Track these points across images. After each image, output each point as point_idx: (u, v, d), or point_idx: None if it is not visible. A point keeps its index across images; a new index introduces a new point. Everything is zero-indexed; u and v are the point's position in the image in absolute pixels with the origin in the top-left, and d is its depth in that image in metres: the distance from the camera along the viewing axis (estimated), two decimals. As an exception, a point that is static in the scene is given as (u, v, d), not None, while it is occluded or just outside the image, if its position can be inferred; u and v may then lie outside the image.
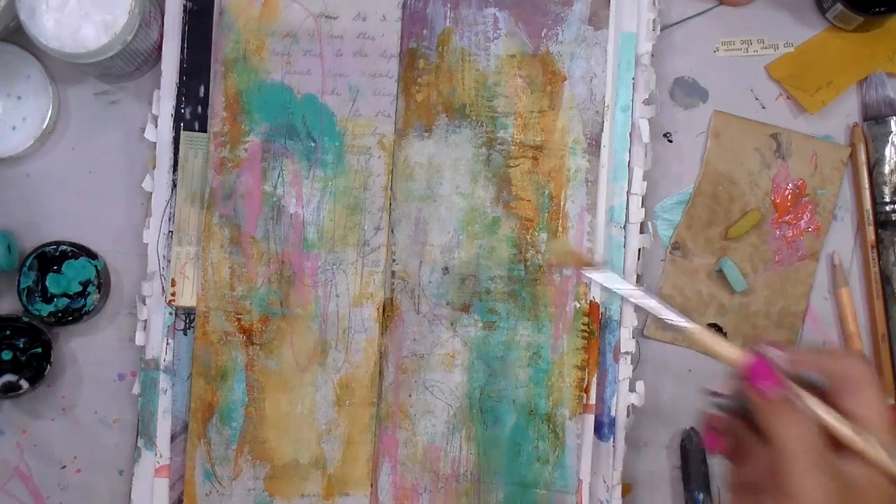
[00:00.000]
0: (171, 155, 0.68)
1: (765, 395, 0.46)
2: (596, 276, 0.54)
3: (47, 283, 0.68)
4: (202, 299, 0.67)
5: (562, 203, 0.68)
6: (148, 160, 0.70)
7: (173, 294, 0.67)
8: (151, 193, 0.68)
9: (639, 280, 0.69)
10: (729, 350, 0.48)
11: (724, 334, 0.70)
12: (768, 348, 0.48)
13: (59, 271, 0.68)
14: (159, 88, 0.68)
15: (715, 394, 0.50)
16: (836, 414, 0.47)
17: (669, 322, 0.50)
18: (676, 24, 0.72)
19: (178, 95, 0.68)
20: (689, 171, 0.71)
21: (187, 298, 0.67)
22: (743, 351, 0.48)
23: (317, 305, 0.67)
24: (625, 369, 0.68)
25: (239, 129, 0.68)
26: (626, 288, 0.52)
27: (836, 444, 0.46)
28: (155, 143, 0.68)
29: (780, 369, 0.47)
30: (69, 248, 0.68)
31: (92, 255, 0.69)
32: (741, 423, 0.49)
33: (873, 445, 0.46)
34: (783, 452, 0.45)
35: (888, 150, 0.70)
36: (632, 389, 0.68)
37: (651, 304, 0.50)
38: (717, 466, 0.70)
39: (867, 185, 0.71)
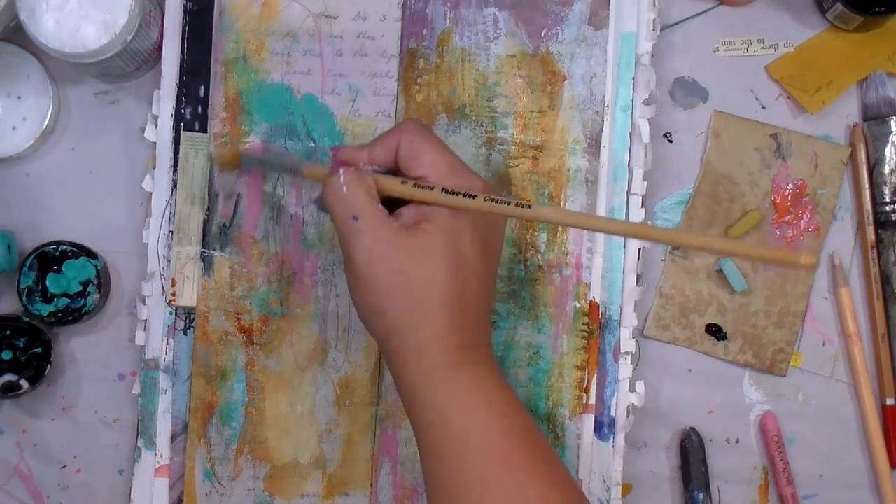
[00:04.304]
0: (171, 155, 0.68)
1: (327, 187, 0.55)
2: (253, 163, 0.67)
3: (47, 283, 0.68)
4: (202, 299, 0.67)
5: (562, 203, 0.68)
6: (148, 160, 0.70)
7: (173, 294, 0.67)
8: (151, 193, 0.68)
9: (639, 280, 0.69)
10: (321, 169, 0.57)
11: (725, 335, 0.70)
12: (342, 149, 0.56)
13: (59, 271, 0.68)
14: (159, 88, 0.68)
15: (320, 201, 0.60)
16: (384, 176, 0.55)
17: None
18: (676, 24, 0.72)
19: (178, 95, 0.68)
20: (689, 171, 0.71)
21: (187, 298, 0.67)
22: (326, 168, 0.56)
23: (317, 305, 0.67)
24: (625, 369, 0.68)
25: (239, 130, 0.68)
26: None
27: (417, 221, 0.54)
28: (155, 143, 0.68)
29: (357, 162, 0.56)
30: (69, 248, 0.68)
31: (92, 255, 0.69)
32: None
33: (420, 185, 0.54)
34: (337, 227, 0.54)
35: (888, 150, 0.70)
36: (632, 389, 0.68)
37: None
38: (718, 466, 0.70)
39: (867, 185, 0.71)
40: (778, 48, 0.72)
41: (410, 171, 0.55)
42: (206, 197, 0.67)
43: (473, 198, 0.53)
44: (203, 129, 0.68)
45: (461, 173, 0.55)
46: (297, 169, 0.61)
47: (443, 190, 0.53)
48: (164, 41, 0.68)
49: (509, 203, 0.53)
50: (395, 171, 0.56)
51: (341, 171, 0.54)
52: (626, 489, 0.69)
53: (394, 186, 0.55)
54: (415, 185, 0.54)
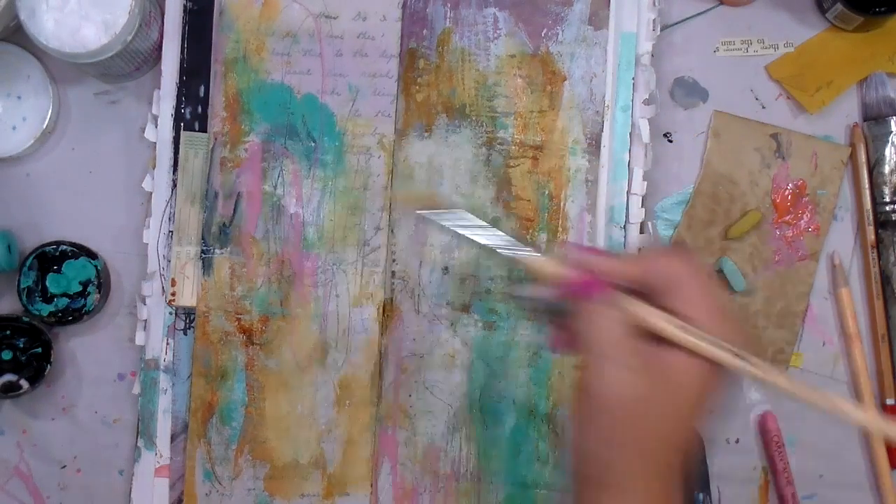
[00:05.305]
0: (171, 155, 0.68)
1: (580, 300, 0.48)
2: (440, 216, 0.52)
3: (47, 283, 0.68)
4: (202, 299, 0.67)
5: (562, 203, 0.68)
6: (148, 160, 0.70)
7: (173, 294, 0.67)
8: (151, 193, 0.68)
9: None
10: (557, 268, 0.49)
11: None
12: (594, 258, 0.48)
13: (59, 271, 0.68)
14: (159, 88, 0.68)
15: (523, 297, 0.50)
16: (647, 307, 0.47)
17: (515, 256, 0.50)
18: (676, 24, 0.72)
19: (178, 95, 0.68)
20: (689, 171, 0.71)
21: (187, 298, 0.67)
22: (563, 264, 0.48)
23: (317, 305, 0.67)
24: (625, 369, 0.68)
25: (239, 129, 0.68)
26: (472, 225, 0.51)
27: (659, 340, 0.46)
28: (155, 143, 0.68)
29: (606, 280, 0.48)
30: (69, 248, 0.68)
31: (92, 255, 0.69)
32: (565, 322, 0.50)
33: (685, 331, 0.46)
34: (587, 350, 0.47)
35: (888, 150, 0.70)
36: (632, 389, 0.68)
37: (499, 240, 0.51)
38: (718, 466, 0.70)
39: (867, 185, 0.70)
40: (778, 48, 0.72)
41: (667, 298, 0.47)
42: (206, 197, 0.67)
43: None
44: (203, 129, 0.68)
45: (731, 323, 0.47)
46: (515, 250, 0.51)
47: (735, 355, 0.46)
48: (164, 41, 0.68)
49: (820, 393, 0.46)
50: (641, 290, 0.48)
51: (597, 298, 0.47)
52: (626, 489, 0.69)
53: (656, 322, 0.47)
54: (682, 327, 0.46)
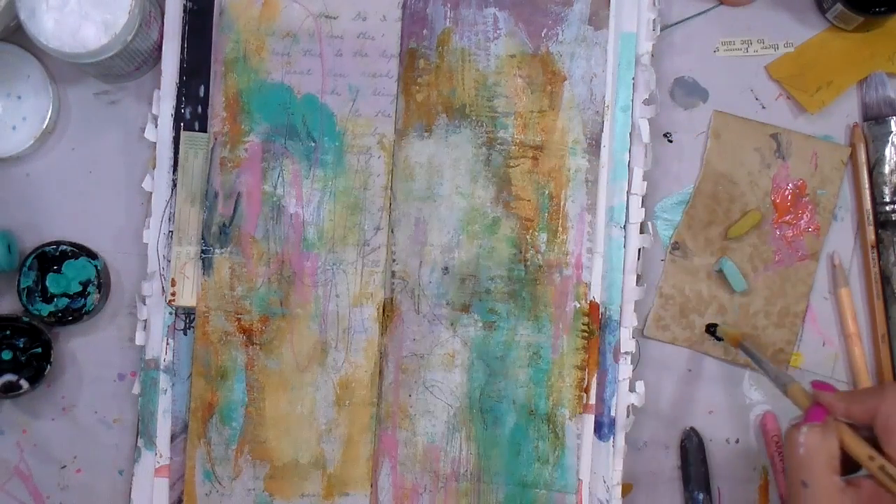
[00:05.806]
0: (171, 155, 0.68)
1: (787, 438, 0.54)
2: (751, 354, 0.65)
3: (47, 283, 0.68)
4: (202, 299, 0.67)
5: (562, 203, 0.68)
6: (148, 160, 0.70)
7: (173, 294, 0.67)
8: (151, 193, 0.68)
9: (639, 280, 0.69)
10: (799, 397, 0.58)
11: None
12: (822, 393, 0.55)
13: (59, 271, 0.68)
14: (159, 88, 0.68)
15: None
16: (855, 437, 0.53)
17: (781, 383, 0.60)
18: (676, 24, 0.72)
19: (178, 95, 0.68)
20: (689, 171, 0.71)
21: (187, 298, 0.67)
22: (804, 395, 0.57)
23: (317, 305, 0.67)
24: (625, 369, 0.68)
25: (239, 129, 0.68)
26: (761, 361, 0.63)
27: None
28: (155, 143, 0.68)
29: (832, 411, 0.55)
30: (69, 248, 0.68)
31: (92, 255, 0.69)
32: None
33: (887, 471, 0.52)
34: (787, 481, 0.53)
35: (888, 150, 0.70)
36: (632, 389, 0.68)
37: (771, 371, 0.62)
38: (718, 466, 0.70)
39: (867, 185, 0.70)
40: (778, 48, 0.72)
41: (884, 441, 0.52)
42: (206, 197, 0.67)
43: None
44: (203, 129, 0.68)
45: None
46: (786, 385, 0.59)
47: None
48: (164, 41, 0.68)
49: None
50: (870, 428, 0.54)
51: (803, 429, 0.53)
52: (626, 489, 0.69)
53: (858, 453, 0.53)
54: (881, 467, 0.52)
